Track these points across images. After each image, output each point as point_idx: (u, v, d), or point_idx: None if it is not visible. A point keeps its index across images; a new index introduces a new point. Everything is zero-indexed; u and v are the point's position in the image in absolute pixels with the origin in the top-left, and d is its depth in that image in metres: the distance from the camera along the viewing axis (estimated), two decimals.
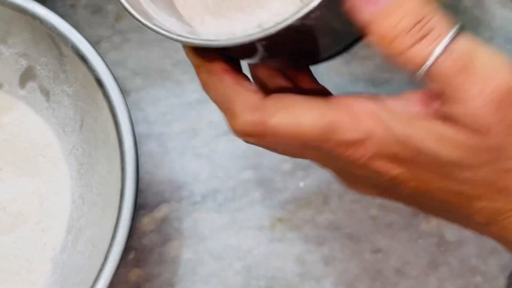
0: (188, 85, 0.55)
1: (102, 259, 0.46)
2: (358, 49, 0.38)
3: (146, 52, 0.57)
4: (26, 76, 0.53)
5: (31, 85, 0.53)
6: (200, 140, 0.54)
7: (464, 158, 0.32)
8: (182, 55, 0.38)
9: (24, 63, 0.53)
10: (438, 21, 0.32)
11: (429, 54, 0.31)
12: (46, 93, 0.53)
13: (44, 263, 0.51)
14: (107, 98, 0.47)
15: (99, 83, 0.48)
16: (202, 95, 0.37)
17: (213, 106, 0.38)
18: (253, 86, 0.36)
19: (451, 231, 0.52)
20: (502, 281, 0.51)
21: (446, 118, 0.32)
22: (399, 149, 0.33)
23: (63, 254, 0.51)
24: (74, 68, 0.50)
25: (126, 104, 0.47)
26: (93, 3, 0.58)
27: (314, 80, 0.38)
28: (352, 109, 0.33)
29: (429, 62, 0.31)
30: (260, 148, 0.38)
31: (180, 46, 0.37)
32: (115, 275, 0.44)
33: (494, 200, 0.33)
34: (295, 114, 0.34)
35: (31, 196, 0.53)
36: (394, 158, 0.33)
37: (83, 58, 0.48)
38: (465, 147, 0.32)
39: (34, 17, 0.49)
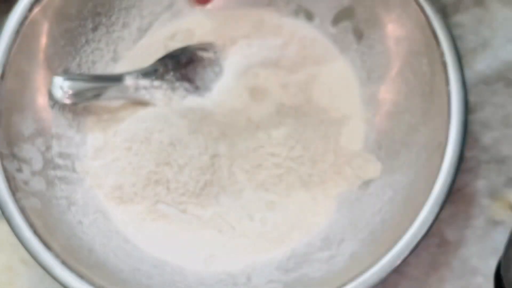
0: None
1: (408, 206, 0.46)
2: None
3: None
4: (342, 15, 0.54)
5: (344, 24, 0.54)
6: None
7: None
8: None
9: (345, 2, 0.53)
10: None
11: None
12: (359, 35, 0.53)
13: (329, 200, 0.52)
14: (439, 50, 0.48)
15: (434, 35, 0.48)
16: None
17: None
18: None
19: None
20: None
21: None
22: None
23: (350, 194, 0.51)
24: (405, 14, 0.50)
25: (460, 60, 0.47)
26: None
27: None
28: None
29: None
30: None
31: None
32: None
33: None
34: None
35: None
36: None
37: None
38: None
39: None
